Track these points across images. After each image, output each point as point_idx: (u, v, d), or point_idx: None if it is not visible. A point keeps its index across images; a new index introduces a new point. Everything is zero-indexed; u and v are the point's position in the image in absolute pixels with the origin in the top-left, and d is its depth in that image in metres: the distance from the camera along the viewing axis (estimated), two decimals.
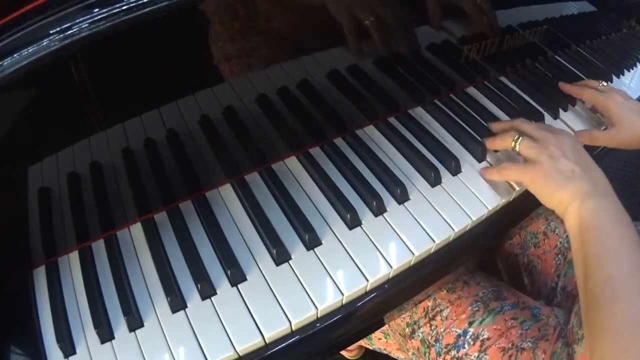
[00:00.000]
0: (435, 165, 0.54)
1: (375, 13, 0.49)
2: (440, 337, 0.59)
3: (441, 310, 0.60)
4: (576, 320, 0.53)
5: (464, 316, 0.58)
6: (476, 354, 0.56)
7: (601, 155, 0.67)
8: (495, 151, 0.57)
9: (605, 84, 0.64)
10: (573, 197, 0.46)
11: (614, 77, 0.78)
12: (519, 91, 0.68)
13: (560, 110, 0.66)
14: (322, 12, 0.46)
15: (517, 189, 0.53)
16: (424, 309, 0.61)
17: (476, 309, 0.59)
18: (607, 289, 0.40)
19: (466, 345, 0.57)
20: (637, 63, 0.85)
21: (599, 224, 0.44)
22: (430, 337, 0.60)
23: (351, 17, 0.48)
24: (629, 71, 0.83)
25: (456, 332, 0.58)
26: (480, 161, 0.56)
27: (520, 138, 0.51)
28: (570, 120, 0.65)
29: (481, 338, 0.56)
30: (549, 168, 0.48)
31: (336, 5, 0.46)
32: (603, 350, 0.39)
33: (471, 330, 0.57)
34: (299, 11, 0.45)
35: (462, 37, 0.60)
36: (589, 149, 0.60)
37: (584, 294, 0.43)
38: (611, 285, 0.40)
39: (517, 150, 0.51)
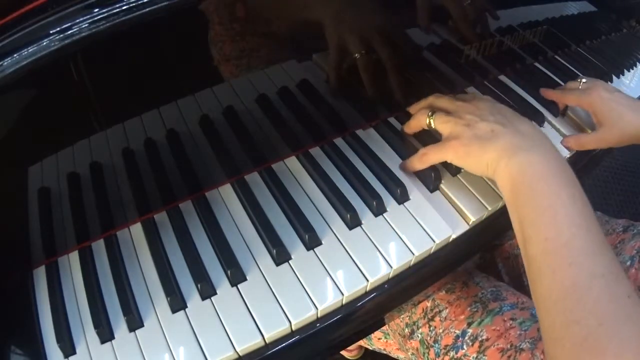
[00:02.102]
0: (435, 165, 0.53)
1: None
2: (439, 338, 0.59)
3: (440, 311, 0.60)
4: None
5: (462, 317, 0.58)
6: (475, 355, 0.56)
7: (597, 158, 0.66)
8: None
9: (585, 80, 0.61)
10: (499, 156, 0.43)
11: (614, 77, 0.78)
12: (519, 91, 0.68)
13: (560, 110, 0.66)
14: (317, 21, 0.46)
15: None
16: (422, 309, 0.61)
17: (475, 309, 0.59)
18: (548, 254, 0.37)
19: (465, 346, 0.57)
20: (637, 63, 0.85)
21: (530, 182, 0.40)
22: (429, 338, 0.60)
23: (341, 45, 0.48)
24: (629, 71, 0.83)
25: (455, 332, 0.58)
26: None
27: (434, 114, 0.49)
28: (571, 119, 0.65)
29: (480, 339, 0.56)
30: (468, 136, 0.45)
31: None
32: (553, 323, 0.35)
33: (470, 331, 0.57)
34: (298, 13, 0.45)
35: (462, 37, 0.60)
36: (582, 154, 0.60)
37: (526, 261, 0.40)
38: (552, 249, 0.37)
39: (434, 127, 0.50)
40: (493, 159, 0.44)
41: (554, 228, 0.38)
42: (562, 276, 0.36)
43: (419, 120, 0.51)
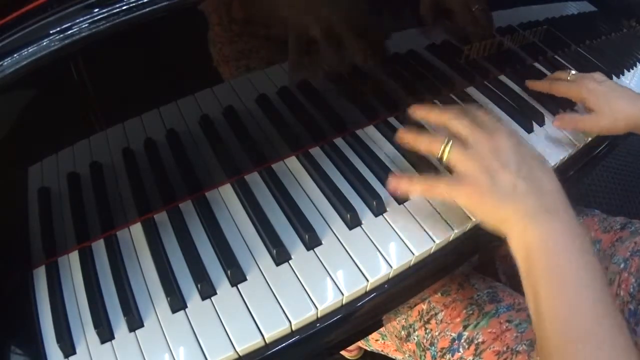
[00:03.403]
0: (435, 165, 0.54)
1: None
2: (436, 341, 0.59)
3: (436, 314, 0.60)
4: None
5: (458, 320, 0.58)
6: (471, 358, 0.56)
7: (597, 158, 0.66)
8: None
9: (574, 72, 0.61)
10: (517, 217, 0.39)
11: (614, 77, 0.78)
12: (518, 91, 0.68)
13: (560, 110, 0.66)
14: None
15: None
16: (418, 312, 0.61)
17: (471, 312, 0.58)
18: (560, 326, 0.35)
19: (461, 349, 0.56)
20: (637, 63, 0.85)
21: (549, 250, 0.37)
22: (425, 341, 0.60)
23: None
24: (629, 71, 0.83)
25: (451, 335, 0.58)
26: None
27: (450, 143, 0.43)
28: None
29: (476, 342, 0.56)
30: (487, 185, 0.40)
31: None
32: None
33: (466, 334, 0.57)
34: (297, 13, 0.45)
35: (464, 38, 0.60)
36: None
37: (537, 329, 0.37)
38: (564, 321, 0.35)
39: (445, 160, 0.43)
40: (509, 219, 0.39)
41: (569, 301, 0.35)
42: (572, 351, 0.34)
43: (432, 145, 0.44)
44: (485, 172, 0.40)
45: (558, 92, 0.61)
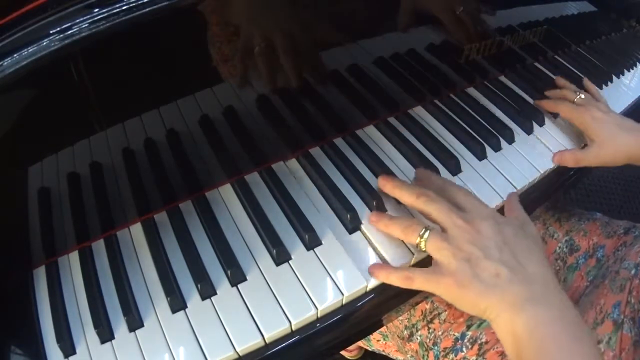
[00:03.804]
0: (435, 165, 0.54)
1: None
2: (439, 341, 0.59)
3: (439, 314, 0.60)
4: None
5: (461, 319, 0.58)
6: (474, 358, 0.56)
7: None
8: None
9: (582, 96, 0.60)
10: (501, 307, 0.37)
11: (614, 77, 0.78)
12: (519, 91, 0.68)
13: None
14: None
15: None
16: (422, 311, 0.61)
17: None
18: None
19: (464, 349, 0.56)
20: (637, 63, 0.85)
21: (537, 340, 0.35)
22: (428, 340, 0.60)
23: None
24: (629, 71, 0.83)
25: (454, 335, 0.58)
26: (480, 160, 0.56)
27: (427, 233, 0.40)
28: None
29: (479, 342, 0.56)
30: (467, 276, 0.38)
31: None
32: None
33: (469, 333, 0.57)
34: (296, 12, 0.45)
35: (459, 38, 0.60)
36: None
37: None
38: None
39: (423, 249, 0.41)
40: (493, 309, 0.37)
41: None
42: None
43: (409, 235, 0.42)
44: (466, 262, 0.38)
45: (563, 113, 0.61)
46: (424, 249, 0.41)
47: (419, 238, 0.41)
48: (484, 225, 0.40)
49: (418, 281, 0.40)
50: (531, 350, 0.35)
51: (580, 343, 0.35)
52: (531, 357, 0.35)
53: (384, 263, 0.44)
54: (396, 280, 0.41)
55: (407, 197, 0.44)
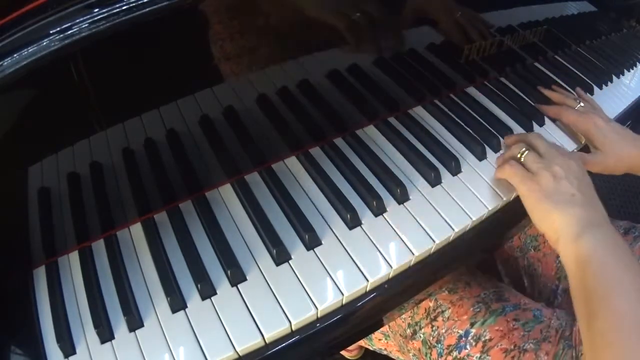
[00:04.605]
0: (435, 165, 0.54)
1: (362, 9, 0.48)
2: (442, 338, 0.59)
3: (443, 311, 0.60)
4: None
5: (465, 317, 0.58)
6: (478, 355, 0.56)
7: None
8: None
9: (582, 104, 0.61)
10: (569, 224, 0.43)
11: (614, 77, 0.78)
12: (518, 91, 0.68)
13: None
14: (316, 12, 0.46)
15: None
16: (425, 309, 0.61)
17: (478, 309, 0.59)
18: (618, 327, 0.37)
19: (468, 346, 0.57)
20: (637, 63, 0.86)
21: (601, 257, 0.41)
22: (431, 338, 0.60)
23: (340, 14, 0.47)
24: (629, 71, 0.83)
25: (458, 332, 0.58)
26: (480, 160, 0.56)
27: (527, 151, 0.50)
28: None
29: (483, 339, 0.56)
30: (550, 186, 0.46)
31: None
32: None
33: (473, 331, 0.57)
34: (297, 10, 0.45)
35: (460, 39, 0.60)
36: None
37: (589, 334, 0.39)
38: (622, 321, 0.37)
39: (522, 161, 0.51)
40: (561, 224, 0.44)
41: (625, 301, 0.38)
42: (632, 347, 0.36)
43: (512, 151, 0.52)
44: (552, 176, 0.47)
45: (567, 120, 0.61)
46: (522, 161, 0.50)
47: (519, 154, 0.51)
48: (572, 162, 0.49)
49: (513, 172, 0.49)
50: (594, 264, 0.41)
51: (630, 256, 0.41)
52: (594, 270, 0.40)
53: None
54: (503, 173, 0.51)
55: (518, 135, 0.57)
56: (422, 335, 0.61)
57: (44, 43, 0.33)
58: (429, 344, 0.60)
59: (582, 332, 0.41)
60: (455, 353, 0.57)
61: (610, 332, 0.37)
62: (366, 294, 0.45)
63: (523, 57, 0.72)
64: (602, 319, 0.38)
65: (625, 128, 0.59)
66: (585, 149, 0.62)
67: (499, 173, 0.52)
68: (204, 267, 0.45)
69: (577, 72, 0.76)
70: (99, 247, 0.47)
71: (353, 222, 0.48)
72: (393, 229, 0.48)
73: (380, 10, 0.50)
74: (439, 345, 0.59)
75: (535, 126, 0.62)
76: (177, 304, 0.42)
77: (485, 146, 0.57)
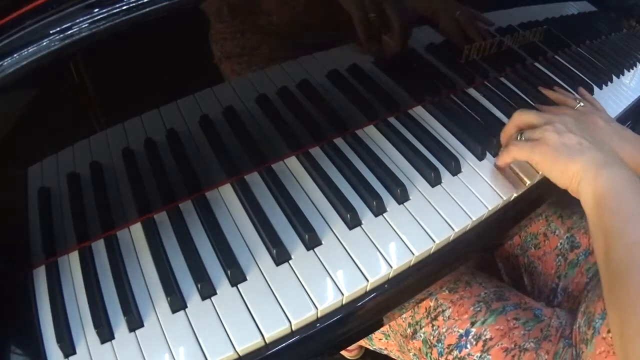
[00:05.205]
0: (435, 165, 0.54)
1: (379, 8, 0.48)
2: (443, 338, 0.59)
3: (443, 311, 0.60)
4: (583, 320, 0.52)
5: (466, 316, 0.58)
6: (479, 354, 0.56)
7: None
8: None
9: (583, 104, 0.61)
10: (586, 169, 0.45)
11: (614, 77, 0.78)
12: (518, 91, 0.68)
13: None
14: (322, 8, 0.46)
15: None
16: (425, 309, 0.61)
17: (478, 309, 0.59)
18: (634, 257, 0.38)
19: (468, 346, 0.57)
20: (637, 63, 0.86)
21: (617, 192, 0.43)
22: (432, 338, 0.60)
23: (359, 9, 0.48)
24: (629, 71, 0.83)
25: (458, 332, 0.58)
26: (480, 160, 0.56)
27: (524, 130, 0.52)
28: None
29: (483, 338, 0.56)
30: (557, 142, 0.48)
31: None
32: (636, 324, 0.36)
33: (473, 330, 0.57)
34: (299, 8, 0.45)
35: (460, 38, 0.60)
36: None
37: (606, 269, 0.41)
38: (633, 245, 0.39)
39: (524, 138, 0.52)
40: (579, 171, 0.45)
41: None
42: None
43: (510, 136, 0.54)
44: (555, 133, 0.48)
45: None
46: (523, 138, 0.51)
47: (518, 136, 0.52)
48: (568, 115, 0.51)
49: (519, 149, 0.50)
50: (610, 199, 0.43)
51: None
52: (611, 205, 0.42)
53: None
54: (505, 155, 0.52)
55: (509, 124, 0.56)
56: (422, 335, 0.61)
57: (44, 43, 0.33)
58: (429, 343, 0.60)
59: (600, 270, 0.42)
60: (455, 352, 0.57)
61: (626, 261, 0.39)
62: (366, 294, 0.45)
63: (523, 57, 0.72)
64: (618, 251, 0.40)
65: (627, 129, 0.59)
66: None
67: (506, 157, 0.52)
68: (204, 267, 0.45)
69: (577, 72, 0.76)
70: (99, 247, 0.47)
71: (353, 222, 0.48)
72: (393, 229, 0.48)
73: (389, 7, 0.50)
74: (440, 344, 0.59)
75: None
76: (177, 304, 0.42)
77: (485, 146, 0.57)
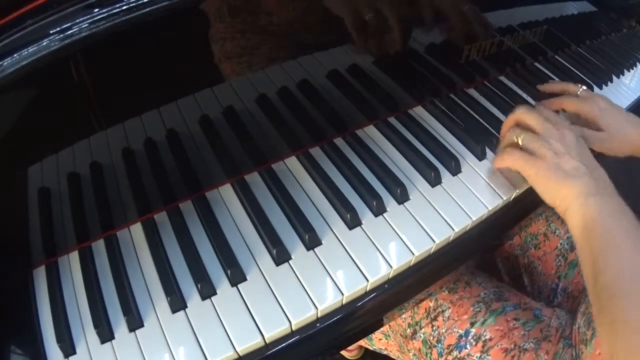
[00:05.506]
0: (435, 165, 0.54)
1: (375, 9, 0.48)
2: (442, 338, 0.59)
3: (443, 311, 0.60)
4: (583, 321, 0.53)
5: (465, 317, 0.58)
6: (478, 355, 0.56)
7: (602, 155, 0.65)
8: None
9: (584, 87, 0.61)
10: (576, 195, 0.45)
11: (614, 77, 0.78)
12: (519, 91, 0.68)
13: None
14: (323, 9, 0.46)
15: (517, 191, 0.53)
16: (425, 309, 0.61)
17: (478, 309, 0.59)
18: (621, 282, 0.39)
19: (468, 346, 0.57)
20: (637, 63, 0.85)
21: (605, 220, 0.43)
22: (432, 338, 0.60)
23: (353, 12, 0.47)
24: (629, 71, 0.83)
25: (458, 332, 0.58)
26: (480, 160, 0.56)
27: (523, 133, 0.51)
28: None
29: (483, 339, 0.56)
30: (554, 163, 0.47)
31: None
32: (626, 346, 0.37)
33: (473, 330, 0.57)
34: (299, 9, 0.45)
35: (462, 38, 0.60)
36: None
37: (595, 293, 0.42)
38: (624, 277, 0.39)
39: (521, 144, 0.51)
40: (570, 195, 0.46)
41: (627, 259, 0.40)
42: (635, 301, 0.38)
43: (508, 138, 0.53)
44: (553, 154, 0.48)
45: (569, 107, 0.61)
46: (521, 143, 0.51)
47: (516, 138, 0.51)
48: (568, 134, 0.50)
49: (516, 159, 0.50)
50: (598, 226, 0.43)
51: (633, 220, 0.43)
52: (599, 231, 0.43)
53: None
54: (503, 157, 0.51)
55: (510, 117, 0.55)
56: (422, 335, 0.61)
57: (44, 43, 0.33)
58: (429, 343, 0.60)
59: (589, 293, 0.43)
60: (455, 353, 0.57)
61: (613, 286, 0.40)
62: (366, 294, 0.45)
63: (523, 57, 0.72)
64: (605, 276, 0.40)
65: (628, 112, 0.59)
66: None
67: (499, 162, 0.52)
68: (204, 267, 0.45)
69: (577, 72, 0.76)
70: (99, 247, 0.47)
71: (353, 222, 0.48)
72: (393, 229, 0.48)
73: (389, 7, 0.50)
74: (439, 344, 0.59)
75: None
76: (177, 304, 0.42)
77: (485, 146, 0.57)
